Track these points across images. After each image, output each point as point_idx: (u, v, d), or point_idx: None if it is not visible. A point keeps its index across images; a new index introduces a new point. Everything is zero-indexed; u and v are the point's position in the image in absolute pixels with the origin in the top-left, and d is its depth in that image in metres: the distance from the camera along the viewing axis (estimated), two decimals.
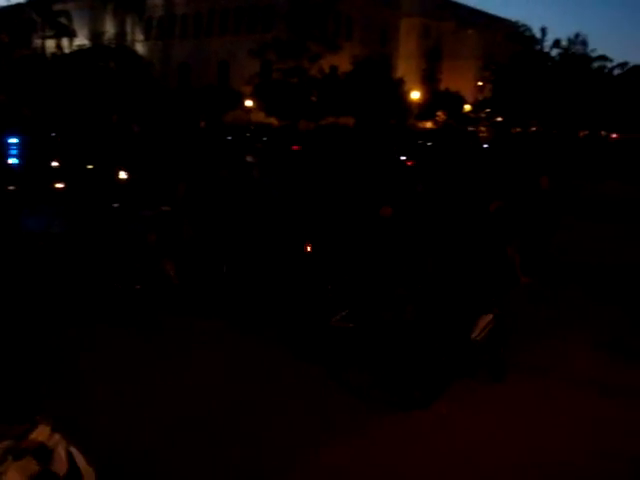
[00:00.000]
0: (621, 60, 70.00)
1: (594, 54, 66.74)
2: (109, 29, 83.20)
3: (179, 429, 7.50)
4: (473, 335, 8.47)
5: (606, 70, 68.82)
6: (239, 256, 12.89)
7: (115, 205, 16.37)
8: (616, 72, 69.53)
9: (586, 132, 64.98)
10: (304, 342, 9.77)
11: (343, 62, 65.53)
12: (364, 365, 9.08)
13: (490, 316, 8.73)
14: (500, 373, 8.89)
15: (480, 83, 76.20)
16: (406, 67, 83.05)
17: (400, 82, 67.38)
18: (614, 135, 66.90)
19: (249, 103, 64.75)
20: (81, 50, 62.54)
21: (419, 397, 8.16)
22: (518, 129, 65.23)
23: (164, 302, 11.34)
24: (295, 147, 38.55)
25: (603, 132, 67.65)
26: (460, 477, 6.90)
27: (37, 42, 67.81)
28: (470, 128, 66.52)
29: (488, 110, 67.94)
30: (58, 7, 68.86)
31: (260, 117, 62.82)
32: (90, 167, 23.17)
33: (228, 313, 11.33)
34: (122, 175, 21.53)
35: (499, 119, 66.98)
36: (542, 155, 40.55)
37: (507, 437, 7.71)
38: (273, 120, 61.64)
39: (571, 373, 9.70)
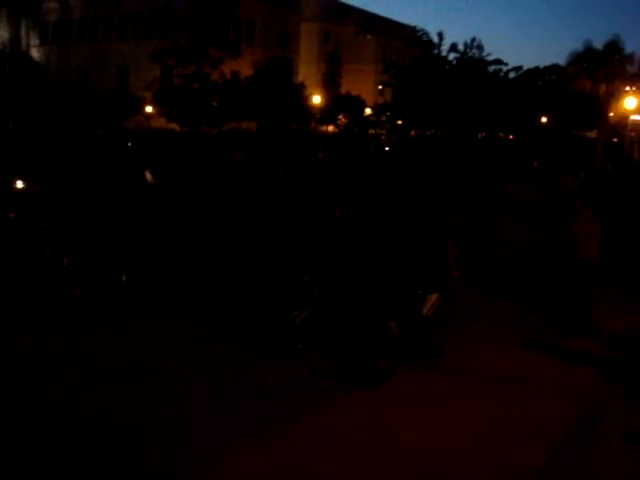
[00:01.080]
0: (516, 64, 71.66)
1: (490, 58, 68.29)
2: (3, 34, 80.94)
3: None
4: (424, 311, 10.13)
5: (502, 74, 70.47)
6: (141, 261, 12.91)
7: (11, 215, 16.01)
8: (511, 75, 71.32)
9: (484, 134, 66.45)
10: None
11: (244, 67, 65.33)
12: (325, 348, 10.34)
13: (437, 295, 10.38)
14: (441, 347, 10.52)
15: (380, 87, 77.13)
16: (307, 71, 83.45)
17: (301, 86, 67.61)
18: (511, 137, 68.71)
19: (149, 109, 63.93)
20: None
21: (388, 368, 9.49)
22: (417, 131, 66.28)
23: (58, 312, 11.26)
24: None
25: (501, 134, 69.31)
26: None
27: None
28: (371, 131, 67.25)
29: (388, 113, 68.79)
30: None
31: (161, 123, 62.07)
32: None
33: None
34: (19, 184, 21.02)
35: (399, 122, 67.91)
36: (443, 156, 41.42)
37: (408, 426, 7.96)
38: (174, 126, 61.00)
39: (490, 369, 10.05)
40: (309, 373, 9.65)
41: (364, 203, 16.18)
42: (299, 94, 65.60)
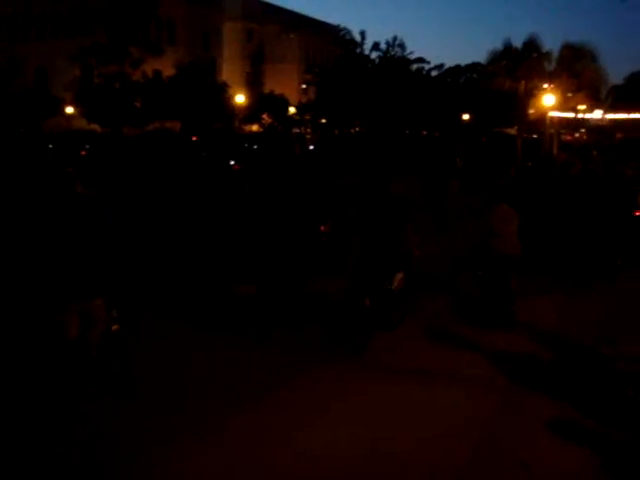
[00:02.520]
0: (438, 62, 72.22)
1: (412, 57, 68.87)
2: None
3: None
4: (393, 287, 11.30)
5: (424, 72, 71.14)
6: None
7: None
8: (433, 74, 72.05)
9: (407, 132, 66.96)
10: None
11: (167, 66, 64.71)
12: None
13: (402, 273, 11.55)
14: (396, 323, 11.60)
15: (304, 86, 77.20)
16: (230, 71, 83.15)
17: (225, 85, 67.29)
18: (437, 134, 69.38)
19: (70, 110, 62.83)
20: None
21: (360, 342, 10.52)
22: (342, 130, 66.49)
23: None
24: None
25: (424, 131, 69.97)
26: None
27: None
28: (295, 130, 67.25)
29: (312, 112, 68.91)
30: None
31: (82, 123, 61.05)
32: None
33: None
34: None
35: (323, 121, 68.07)
36: (367, 154, 41.62)
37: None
38: (96, 127, 60.06)
39: (411, 364, 10.10)
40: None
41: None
42: (222, 93, 65.30)
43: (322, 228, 16.55)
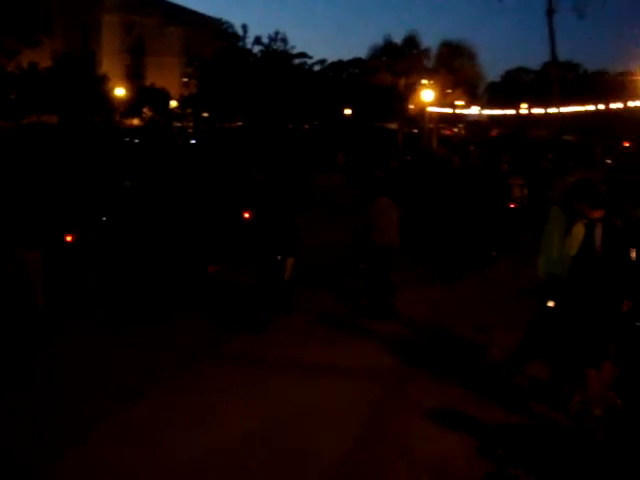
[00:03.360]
0: (320, 57, 72.88)
1: (294, 51, 69.09)
2: None
3: None
4: (285, 275, 12.16)
5: (306, 66, 71.49)
6: None
7: None
8: (316, 68, 72.52)
9: (290, 126, 67.17)
10: None
11: (43, 58, 62.89)
12: None
13: (292, 260, 12.21)
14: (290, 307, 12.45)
15: (185, 79, 76.42)
16: (110, 63, 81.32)
17: (104, 78, 65.88)
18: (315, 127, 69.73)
19: None
20: None
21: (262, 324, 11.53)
22: (225, 124, 66.11)
23: None
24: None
25: (307, 125, 70.32)
26: None
27: None
28: (177, 124, 66.50)
29: (194, 106, 68.27)
30: None
31: None
32: None
33: None
34: None
35: (205, 114, 67.54)
36: (249, 148, 41.51)
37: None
38: None
39: (295, 357, 10.18)
40: None
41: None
42: (102, 86, 63.92)
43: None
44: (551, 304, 8.30)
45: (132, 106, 67.45)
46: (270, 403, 8.55)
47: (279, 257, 12.04)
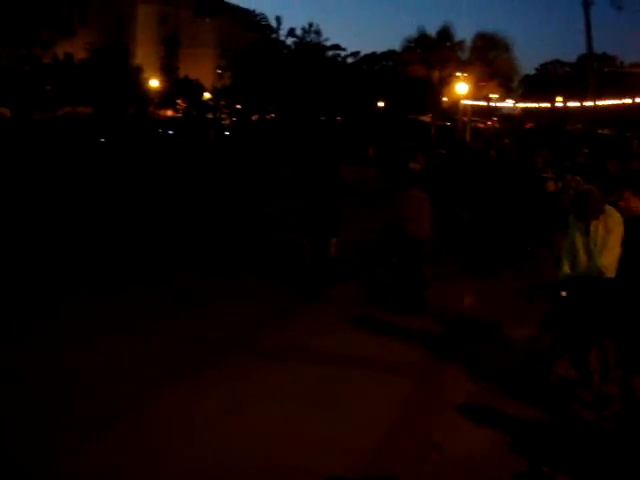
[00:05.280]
0: (354, 49, 72.84)
1: (328, 43, 69.00)
2: None
3: None
4: (330, 253, 13.18)
5: (340, 59, 71.37)
6: None
7: None
8: (349, 61, 72.37)
9: (323, 119, 67.11)
10: None
11: (78, 49, 63.35)
12: None
13: (335, 239, 13.17)
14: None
15: (219, 71, 76.60)
16: (144, 55, 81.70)
17: (138, 70, 66.24)
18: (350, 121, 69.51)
19: None
20: None
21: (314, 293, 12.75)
22: (258, 116, 66.21)
23: None
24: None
25: (339, 117, 70.19)
26: None
27: None
28: (210, 115, 66.71)
29: (227, 98, 68.44)
30: None
31: None
32: None
33: None
34: None
35: (238, 106, 67.67)
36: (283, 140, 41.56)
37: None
38: (5, 111, 58.40)
39: (328, 350, 10.14)
40: None
41: None
42: (136, 78, 64.27)
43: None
44: (564, 294, 8.41)
45: (166, 97, 67.78)
46: (299, 395, 8.49)
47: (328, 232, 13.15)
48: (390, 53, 71.40)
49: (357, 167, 33.84)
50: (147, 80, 67.60)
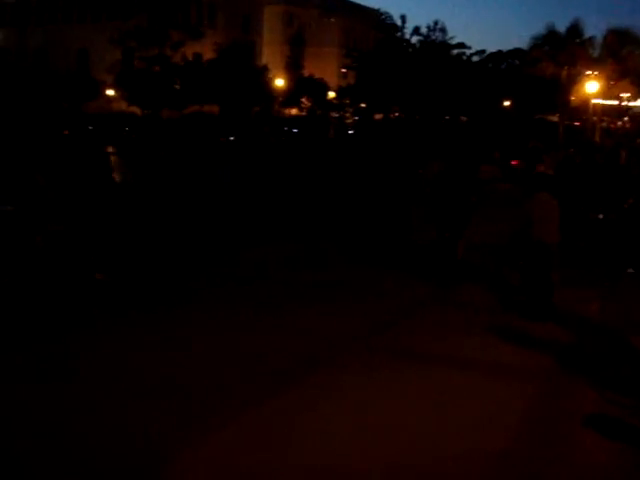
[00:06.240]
0: (479, 47, 71.93)
1: (453, 41, 68.28)
2: None
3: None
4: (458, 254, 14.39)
5: (465, 57, 70.53)
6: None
7: None
8: (474, 59, 71.40)
9: (447, 118, 66.51)
10: None
11: (206, 49, 64.88)
12: None
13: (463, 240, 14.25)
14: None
15: (343, 70, 76.93)
16: (270, 54, 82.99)
17: (264, 69, 67.26)
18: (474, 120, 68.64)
19: (110, 92, 63.24)
20: None
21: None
22: (381, 115, 66.16)
23: None
24: None
25: (463, 117, 69.37)
26: None
27: None
28: (334, 114, 67.07)
29: (351, 97, 68.67)
30: None
31: (122, 106, 61.42)
32: None
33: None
34: None
35: (362, 105, 67.77)
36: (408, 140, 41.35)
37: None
38: (136, 109, 60.40)
39: (452, 353, 10.00)
40: None
41: None
42: (262, 77, 65.30)
43: None
44: None
45: (290, 96, 68.55)
46: (422, 397, 8.37)
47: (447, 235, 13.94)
48: (517, 51, 70.01)
49: (484, 167, 33.30)
50: (272, 79, 68.59)
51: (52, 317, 10.46)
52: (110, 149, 28.24)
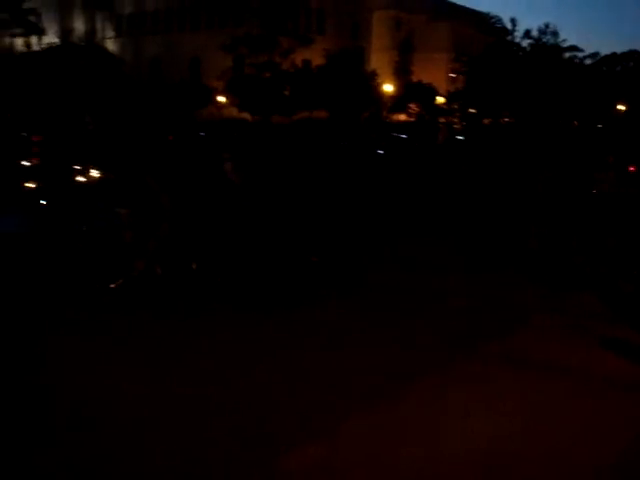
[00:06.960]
0: (592, 50, 70.32)
1: (565, 44, 67.00)
2: (79, 27, 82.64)
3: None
4: None
5: (577, 60, 69.09)
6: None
7: (87, 203, 16.27)
8: (587, 62, 69.86)
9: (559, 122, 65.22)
10: None
11: (315, 56, 65.45)
12: None
13: None
14: None
15: (452, 75, 76.36)
16: (379, 60, 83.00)
17: (373, 75, 67.36)
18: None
19: (221, 98, 64.50)
20: (50, 48, 61.76)
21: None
22: (492, 120, 65.40)
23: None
24: None
25: (576, 122, 67.93)
26: None
27: (5, 41, 66.98)
28: (442, 120, 66.63)
29: (460, 102, 68.09)
30: (27, 5, 67.85)
31: (233, 112, 62.55)
32: (68, 166, 22.91)
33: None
34: (93, 173, 21.36)
35: (472, 110, 67.12)
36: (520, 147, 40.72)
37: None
38: (246, 115, 61.42)
39: (561, 363, 9.79)
40: None
41: None
42: (370, 83, 65.42)
43: None
44: None
45: (399, 102, 68.45)
46: (527, 405, 8.24)
47: None
48: (632, 53, 68.26)
49: (599, 175, 32.48)
50: (381, 85, 68.62)
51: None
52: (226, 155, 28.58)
